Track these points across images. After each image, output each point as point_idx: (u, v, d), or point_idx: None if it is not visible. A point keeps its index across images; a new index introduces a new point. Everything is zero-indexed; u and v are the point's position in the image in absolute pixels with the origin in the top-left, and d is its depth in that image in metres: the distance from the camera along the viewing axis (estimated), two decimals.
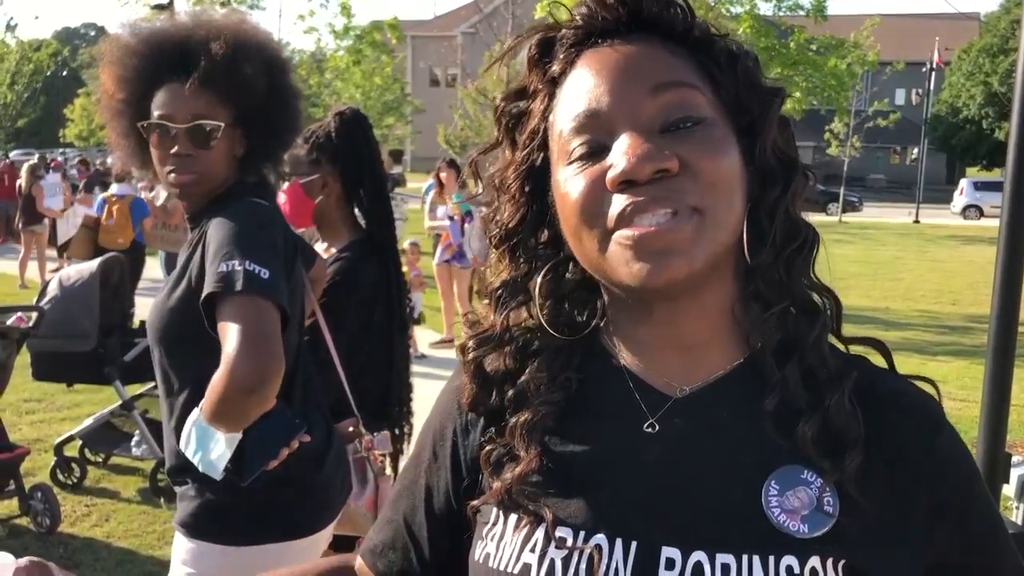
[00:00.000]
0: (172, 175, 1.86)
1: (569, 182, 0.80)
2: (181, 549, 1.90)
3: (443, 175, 9.04)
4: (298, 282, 1.94)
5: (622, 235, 0.77)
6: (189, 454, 1.76)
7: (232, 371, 1.61)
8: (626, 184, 0.76)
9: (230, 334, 1.63)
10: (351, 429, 2.28)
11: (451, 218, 8.59)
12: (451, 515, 0.93)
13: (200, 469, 1.76)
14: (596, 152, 0.79)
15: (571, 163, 0.80)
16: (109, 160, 32.98)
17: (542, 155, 0.86)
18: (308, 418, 1.95)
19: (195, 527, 1.87)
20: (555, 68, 0.84)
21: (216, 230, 1.77)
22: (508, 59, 0.91)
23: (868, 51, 17.88)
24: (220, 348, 1.67)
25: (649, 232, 0.75)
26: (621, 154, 0.76)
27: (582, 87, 0.80)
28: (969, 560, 0.85)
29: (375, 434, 2.31)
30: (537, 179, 0.87)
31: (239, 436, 1.71)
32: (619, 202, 0.77)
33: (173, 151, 1.85)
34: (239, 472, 1.74)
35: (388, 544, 0.99)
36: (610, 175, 0.77)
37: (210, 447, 1.73)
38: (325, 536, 2.02)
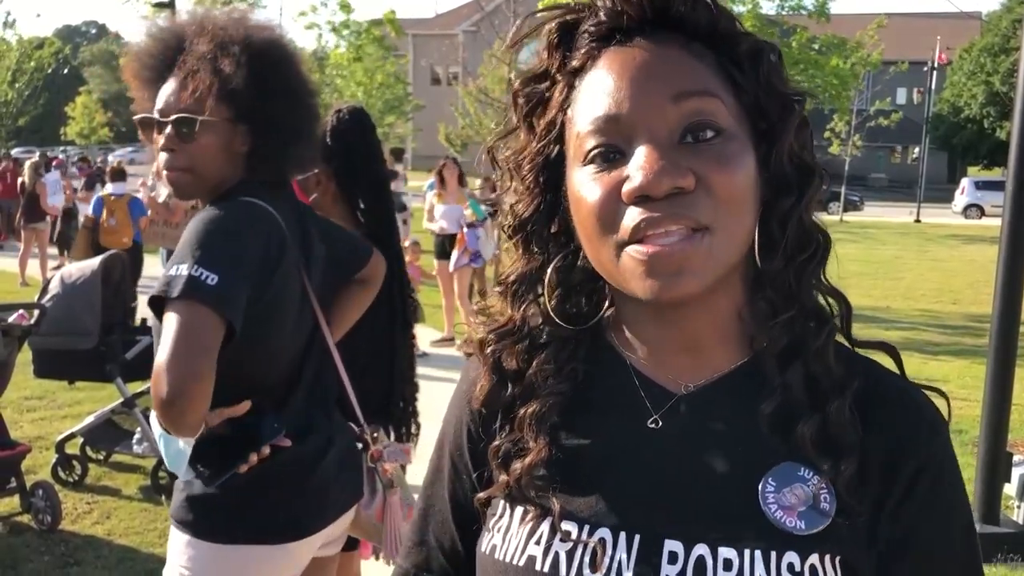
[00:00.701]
0: (164, 170, 1.89)
1: (585, 186, 0.80)
2: (172, 541, 1.93)
3: (445, 173, 9.04)
4: (285, 285, 1.87)
5: (635, 250, 0.77)
6: (161, 453, 1.81)
7: (155, 383, 1.63)
8: (641, 198, 0.76)
9: (162, 342, 1.64)
10: (375, 435, 2.21)
11: (470, 225, 8.60)
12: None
13: (168, 467, 1.79)
14: (613, 158, 0.79)
15: (587, 165, 0.80)
16: (109, 158, 33.01)
17: (558, 148, 0.85)
18: (309, 421, 1.94)
19: (182, 521, 1.89)
20: (575, 61, 0.83)
21: (186, 230, 1.78)
22: (526, 39, 0.89)
23: (872, 51, 17.88)
24: None
25: (662, 252, 0.75)
26: (638, 168, 0.75)
27: (603, 88, 0.79)
28: (942, 555, 0.84)
29: (386, 446, 2.22)
30: (552, 170, 0.86)
31: (191, 439, 1.73)
32: (633, 215, 0.76)
33: (161, 145, 1.87)
34: (209, 473, 1.75)
35: (423, 566, 0.99)
36: (626, 188, 0.76)
37: (171, 447, 1.76)
38: (316, 540, 1.97)
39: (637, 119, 0.77)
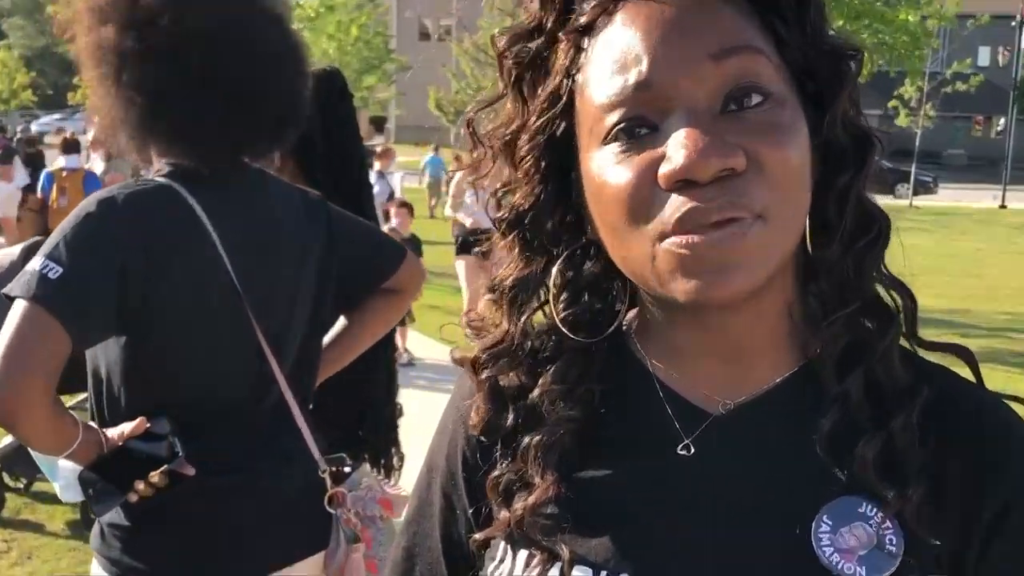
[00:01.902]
0: None
1: (609, 169, 0.78)
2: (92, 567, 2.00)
3: None
4: (186, 287, 1.85)
5: (673, 243, 0.75)
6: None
7: None
8: (683, 183, 0.74)
9: None
10: (348, 472, 2.10)
11: None
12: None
13: (48, 479, 1.90)
14: (641, 133, 0.77)
15: (609, 144, 0.78)
16: (33, 127, 32.89)
17: (564, 124, 0.84)
18: (237, 451, 1.93)
19: (93, 547, 1.97)
20: (584, 17, 0.80)
21: None
22: None
23: (946, 2, 17.85)
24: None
25: (705, 242, 0.74)
26: (679, 146, 0.74)
27: (626, 49, 0.78)
28: None
29: (352, 489, 2.06)
30: (557, 151, 0.85)
31: (55, 459, 1.82)
32: (675, 204, 0.74)
33: None
34: (97, 497, 1.81)
35: None
36: (665, 171, 0.74)
37: (43, 460, 1.90)
38: None
39: (671, 85, 0.76)
